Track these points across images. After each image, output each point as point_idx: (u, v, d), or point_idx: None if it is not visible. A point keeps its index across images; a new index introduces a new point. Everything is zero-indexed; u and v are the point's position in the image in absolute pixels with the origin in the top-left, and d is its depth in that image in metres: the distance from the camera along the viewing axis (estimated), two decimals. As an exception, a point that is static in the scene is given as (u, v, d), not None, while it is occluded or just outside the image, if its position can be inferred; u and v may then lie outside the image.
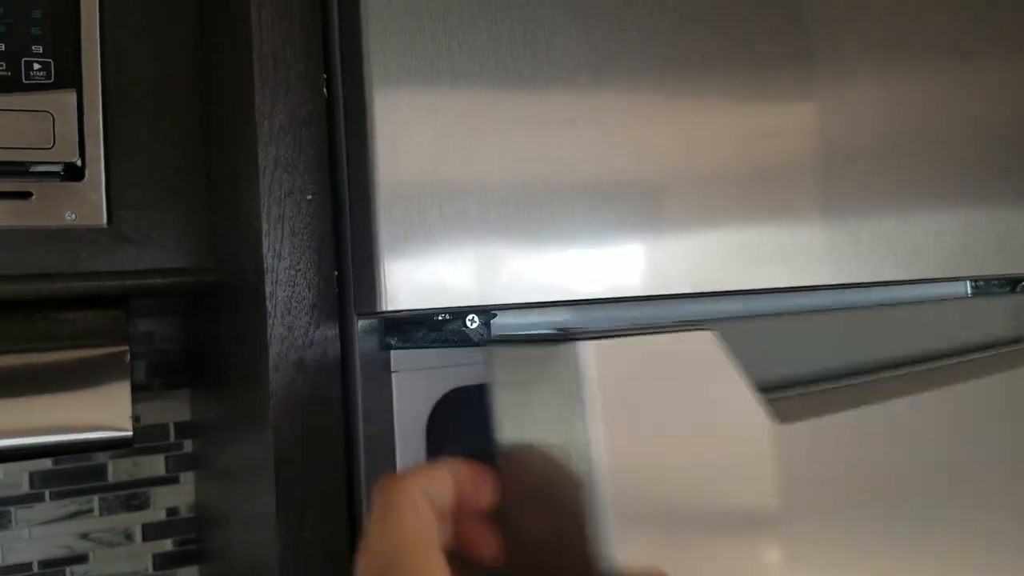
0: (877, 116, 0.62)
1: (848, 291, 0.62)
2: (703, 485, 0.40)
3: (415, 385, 0.48)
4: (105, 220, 0.65)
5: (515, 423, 0.40)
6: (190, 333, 0.96)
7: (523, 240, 0.49)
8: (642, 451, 0.39)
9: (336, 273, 0.50)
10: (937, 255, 0.63)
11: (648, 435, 0.39)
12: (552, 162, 0.50)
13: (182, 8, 0.69)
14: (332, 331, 0.50)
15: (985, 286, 0.68)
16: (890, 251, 0.61)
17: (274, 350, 0.48)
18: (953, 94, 0.65)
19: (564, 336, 0.38)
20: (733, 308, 0.58)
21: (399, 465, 0.47)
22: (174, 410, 0.98)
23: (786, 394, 0.47)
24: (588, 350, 0.37)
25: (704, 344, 0.41)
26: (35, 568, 0.91)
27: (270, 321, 0.48)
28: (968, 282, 0.67)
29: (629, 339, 0.39)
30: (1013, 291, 0.69)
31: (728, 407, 0.41)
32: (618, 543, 0.37)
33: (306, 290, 0.49)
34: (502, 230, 0.48)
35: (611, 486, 0.37)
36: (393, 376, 0.47)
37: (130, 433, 0.59)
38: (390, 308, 0.45)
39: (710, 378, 0.41)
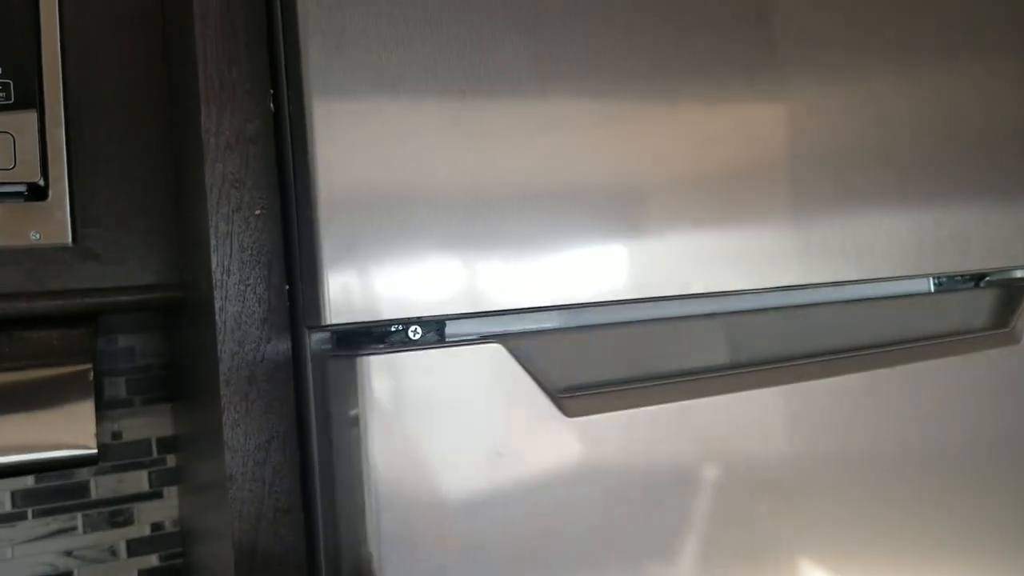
0: (827, 118, 0.62)
1: (807, 291, 0.62)
2: (494, 473, 0.47)
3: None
4: (70, 239, 0.65)
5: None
6: (169, 348, 0.96)
7: (470, 249, 0.49)
8: (417, 452, 0.46)
9: (288, 287, 0.51)
10: (892, 253, 0.63)
11: (431, 436, 0.46)
12: (499, 171, 0.50)
13: (147, 25, 0.69)
14: (284, 345, 0.50)
15: (948, 282, 0.68)
16: (841, 251, 0.61)
17: (224, 365, 0.48)
18: (903, 94, 0.65)
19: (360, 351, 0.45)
20: (677, 311, 0.58)
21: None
22: (156, 425, 0.98)
23: (585, 393, 0.52)
24: (368, 364, 0.45)
25: (493, 355, 0.48)
26: (19, 586, 0.92)
27: (220, 336, 0.48)
28: (931, 279, 0.67)
29: (411, 353, 0.46)
30: (976, 286, 0.69)
31: (520, 407, 0.48)
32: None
33: (256, 305, 0.49)
34: (448, 240, 0.48)
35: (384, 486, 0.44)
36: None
37: (95, 451, 0.59)
38: (335, 321, 0.46)
39: (501, 383, 0.48)
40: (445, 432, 0.47)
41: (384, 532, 0.45)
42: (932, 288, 0.68)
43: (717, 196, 0.57)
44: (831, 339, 0.63)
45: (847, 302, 0.64)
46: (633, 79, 0.54)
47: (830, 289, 0.63)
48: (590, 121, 0.53)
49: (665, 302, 0.57)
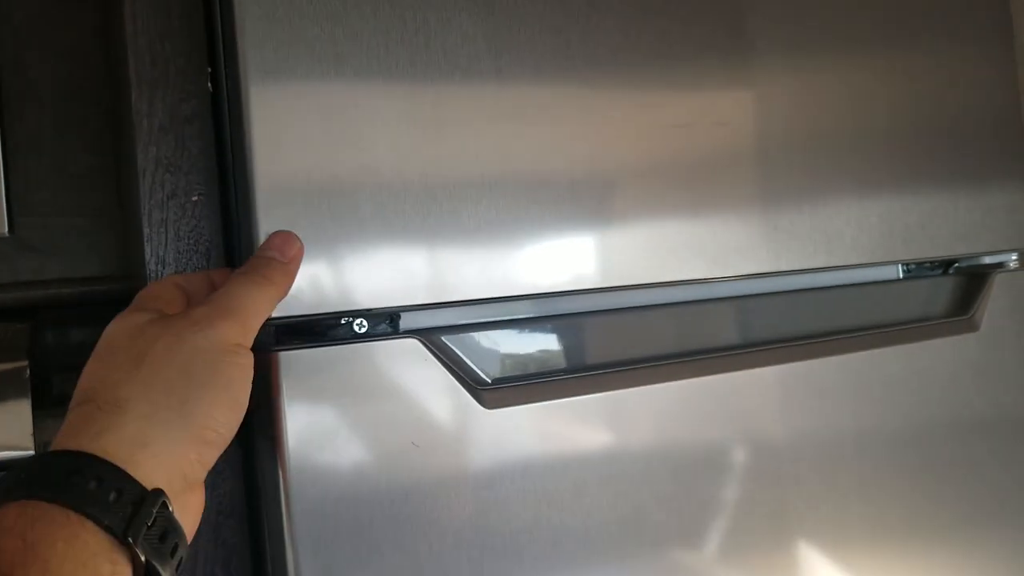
0: (795, 104, 0.60)
1: (774, 279, 0.60)
2: (412, 461, 0.46)
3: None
4: (6, 228, 0.62)
5: None
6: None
7: (422, 238, 0.46)
8: (334, 444, 0.45)
9: (229, 278, 0.48)
10: (861, 240, 0.61)
11: (347, 430, 0.45)
12: (454, 157, 0.47)
13: (84, 4, 0.65)
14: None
15: (917, 269, 0.67)
16: (809, 238, 0.59)
17: (161, 361, 0.46)
18: (872, 80, 0.63)
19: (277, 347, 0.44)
20: (642, 300, 0.56)
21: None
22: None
23: (505, 385, 0.51)
24: (278, 360, 0.44)
25: (411, 350, 0.47)
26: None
27: (155, 330, 0.45)
28: (900, 266, 0.66)
29: (323, 349, 0.45)
30: (945, 273, 0.68)
31: (438, 399, 0.47)
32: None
33: (194, 296, 0.47)
34: (399, 228, 0.46)
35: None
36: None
37: (32, 451, 0.56)
38: (277, 314, 0.43)
39: (420, 376, 0.47)
40: (360, 425, 0.45)
41: (298, 527, 0.43)
42: (901, 275, 0.66)
43: (683, 183, 0.55)
44: (798, 326, 0.61)
45: (814, 289, 0.62)
46: (595, 62, 0.52)
47: (798, 276, 0.61)
48: (550, 106, 0.51)
49: (629, 291, 0.55)
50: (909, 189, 0.64)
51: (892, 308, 0.66)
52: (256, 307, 0.40)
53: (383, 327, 0.47)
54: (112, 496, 0.34)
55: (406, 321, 0.48)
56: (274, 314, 0.43)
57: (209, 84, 0.47)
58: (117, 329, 0.41)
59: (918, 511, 0.64)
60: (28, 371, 0.57)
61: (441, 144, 0.47)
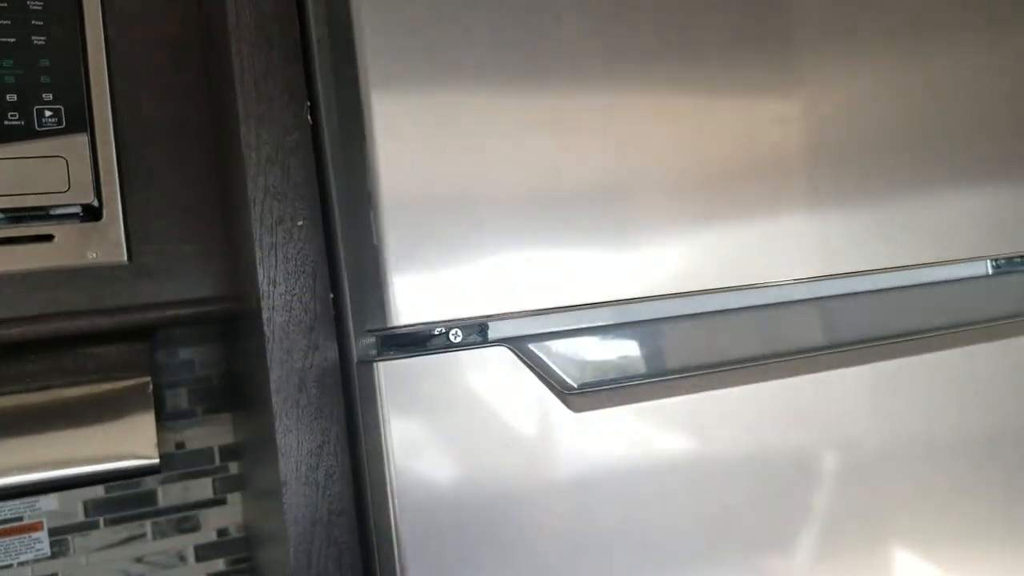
0: (881, 101, 0.60)
1: (859, 278, 0.61)
2: (506, 463, 0.49)
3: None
4: (126, 256, 0.67)
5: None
6: (226, 359, 0.98)
7: (536, 247, 0.49)
8: (434, 447, 0.48)
9: (332, 295, 0.52)
10: (948, 237, 0.61)
11: (447, 435, 0.48)
12: (566, 166, 0.50)
13: (189, 48, 0.71)
14: (331, 352, 0.51)
15: (1007, 264, 0.66)
16: (896, 236, 0.59)
17: (275, 373, 0.50)
18: (958, 73, 0.63)
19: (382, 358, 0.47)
20: (725, 302, 0.57)
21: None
22: (218, 434, 1.00)
23: (592, 390, 0.53)
24: (379, 370, 0.47)
25: (500, 357, 0.49)
26: (94, 593, 0.95)
27: (269, 346, 0.49)
28: (989, 261, 0.66)
29: (420, 358, 0.48)
30: (1034, 267, 0.67)
31: (527, 404, 0.50)
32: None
33: (303, 314, 0.50)
34: (516, 239, 0.48)
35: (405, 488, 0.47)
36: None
37: (157, 460, 0.61)
38: (377, 326, 0.46)
39: (509, 382, 0.50)
40: (457, 430, 0.48)
41: (403, 527, 0.46)
42: (990, 271, 0.66)
43: (771, 184, 0.56)
44: (884, 326, 0.62)
45: (901, 288, 0.62)
46: (703, 63, 0.54)
47: (885, 275, 0.62)
48: (659, 110, 0.52)
49: (712, 295, 0.56)
50: (998, 184, 0.63)
51: (982, 305, 0.65)
52: None
53: (474, 336, 0.50)
54: None
55: (493, 331, 0.51)
56: (374, 326, 0.46)
57: (308, 117, 0.51)
58: None
59: (1016, 511, 0.63)
60: (151, 385, 0.62)
61: (554, 153, 0.49)
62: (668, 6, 0.54)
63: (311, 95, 0.52)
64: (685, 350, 0.57)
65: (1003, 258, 0.66)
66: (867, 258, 0.59)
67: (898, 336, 0.62)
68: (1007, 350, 0.63)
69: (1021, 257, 0.67)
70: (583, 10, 0.50)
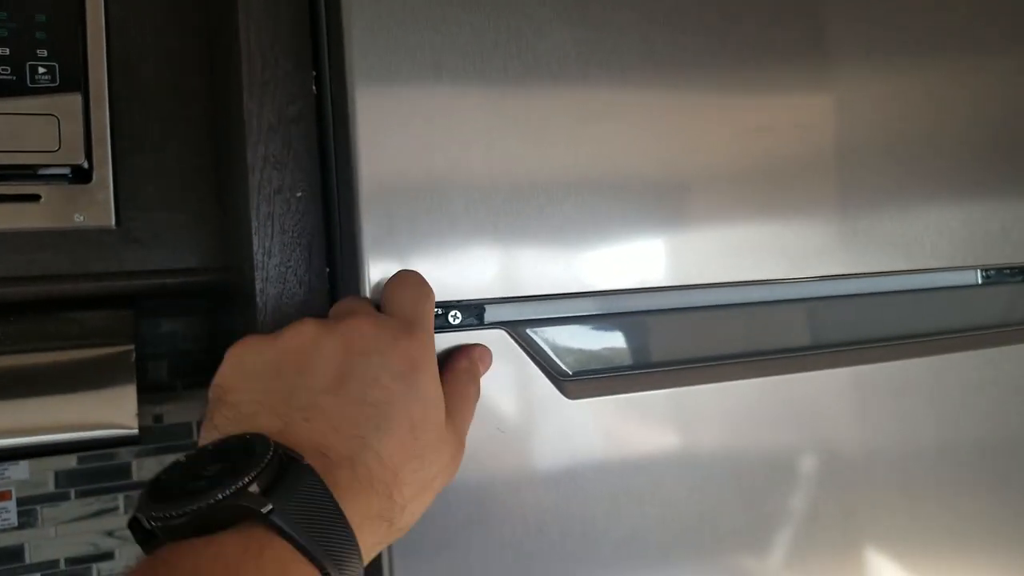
0: (877, 108, 0.60)
1: (851, 281, 0.61)
2: (498, 447, 0.49)
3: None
4: (114, 221, 0.66)
5: None
6: (211, 333, 0.97)
7: (511, 235, 0.48)
8: None
9: (328, 270, 0.50)
10: (939, 246, 0.61)
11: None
12: (540, 158, 0.49)
13: (189, 9, 0.69)
14: (324, 328, 0.50)
15: (997, 275, 0.66)
16: (888, 242, 0.59)
17: (265, 347, 0.48)
18: (955, 83, 0.63)
19: None
20: (718, 299, 0.57)
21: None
22: (197, 409, 0.99)
23: (587, 376, 0.52)
24: None
25: (497, 340, 0.49)
26: (62, 565, 0.93)
27: (260, 318, 0.48)
28: (979, 271, 0.66)
29: None
30: (1026, 280, 0.67)
31: (522, 388, 0.49)
32: None
33: (296, 287, 0.49)
34: (489, 225, 0.48)
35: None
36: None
37: (136, 431, 0.60)
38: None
39: (505, 366, 0.49)
40: None
41: None
42: (980, 280, 0.66)
43: (761, 185, 0.56)
44: (873, 330, 0.62)
45: (891, 293, 0.62)
46: (678, 67, 0.53)
47: (876, 279, 0.62)
48: (634, 110, 0.52)
49: (707, 289, 0.56)
50: (991, 194, 0.63)
51: (970, 314, 0.66)
52: None
53: (471, 319, 0.49)
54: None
55: (490, 314, 0.50)
56: (372, 302, 0.45)
57: (313, 87, 0.50)
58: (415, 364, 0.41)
59: (996, 520, 0.63)
60: (133, 355, 0.61)
61: (530, 146, 0.49)
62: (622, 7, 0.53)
63: (317, 65, 0.50)
64: (676, 344, 0.56)
65: (993, 268, 0.66)
66: (858, 261, 0.59)
67: (885, 340, 0.62)
68: (994, 359, 0.64)
69: (1011, 268, 0.67)
70: (558, 16, 0.50)
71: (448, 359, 0.45)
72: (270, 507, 0.33)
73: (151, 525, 0.34)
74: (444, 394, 0.43)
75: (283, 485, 0.34)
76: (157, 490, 0.35)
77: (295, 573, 0.33)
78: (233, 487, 0.33)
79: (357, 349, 0.40)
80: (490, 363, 0.47)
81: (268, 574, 0.32)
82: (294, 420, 0.37)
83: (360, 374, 0.39)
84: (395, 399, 0.39)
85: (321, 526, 0.34)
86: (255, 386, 0.39)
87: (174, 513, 0.33)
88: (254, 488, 0.33)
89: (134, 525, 0.35)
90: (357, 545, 0.35)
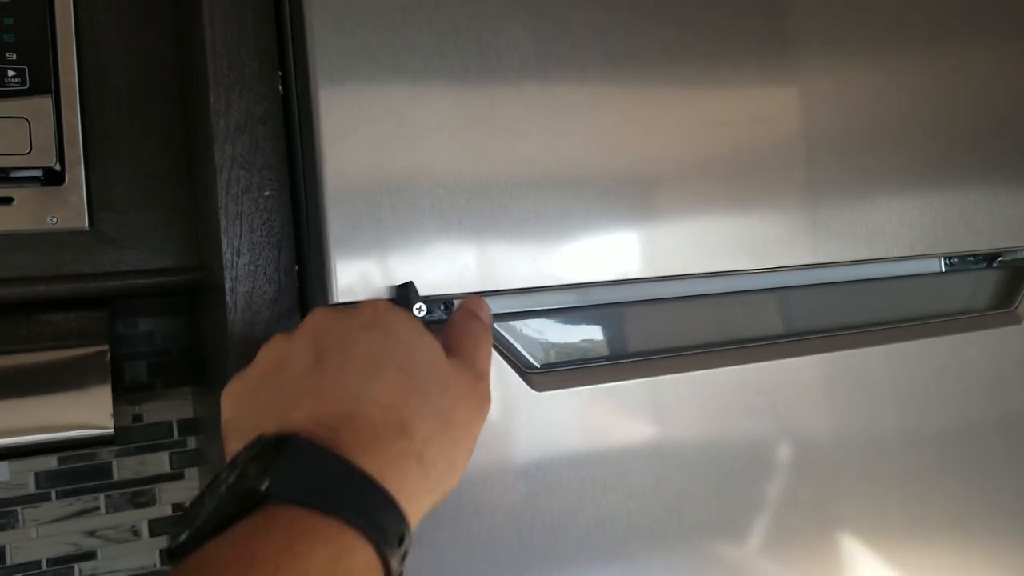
0: (837, 100, 0.61)
1: (815, 271, 0.62)
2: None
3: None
4: (87, 223, 0.66)
5: None
6: (188, 332, 0.97)
7: (476, 231, 0.49)
8: None
9: (297, 268, 0.51)
10: (901, 234, 0.62)
11: None
12: (503, 154, 0.50)
13: (160, 10, 0.69)
14: (295, 324, 0.51)
15: (959, 263, 0.68)
16: (850, 232, 0.60)
17: (235, 345, 0.49)
18: (914, 74, 0.64)
19: None
20: (683, 291, 0.58)
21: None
22: (177, 408, 0.99)
23: (554, 370, 0.53)
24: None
25: None
26: (44, 566, 0.94)
27: (231, 317, 0.49)
28: (942, 259, 0.67)
29: None
30: (989, 266, 0.68)
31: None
32: None
33: (266, 285, 0.50)
34: (455, 221, 0.48)
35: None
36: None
37: (111, 431, 0.60)
38: (342, 300, 0.46)
39: None
40: None
41: None
42: (943, 268, 0.67)
43: (723, 178, 0.57)
44: (839, 319, 0.63)
45: (856, 282, 0.64)
46: (637, 63, 0.54)
47: (839, 269, 0.63)
48: (595, 106, 0.53)
49: (672, 281, 0.57)
50: (951, 183, 0.65)
51: (934, 302, 0.67)
52: None
53: (439, 313, 0.50)
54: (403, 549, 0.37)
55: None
56: (339, 300, 0.46)
57: (280, 87, 0.51)
58: (426, 352, 0.42)
59: (961, 505, 0.65)
60: (108, 355, 0.61)
61: (492, 143, 0.50)
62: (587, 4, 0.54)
63: (283, 65, 0.51)
64: (643, 336, 0.57)
65: (956, 256, 0.68)
66: (822, 251, 0.60)
67: (854, 328, 0.63)
68: (957, 344, 0.65)
69: (974, 256, 0.68)
70: (517, 14, 0.51)
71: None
72: (267, 482, 0.34)
73: (178, 547, 0.35)
74: (447, 333, 0.45)
75: (278, 461, 0.35)
76: (179, 519, 0.36)
77: (309, 532, 0.33)
78: (231, 477, 0.35)
79: (324, 328, 0.42)
80: (484, 303, 0.47)
81: (274, 538, 0.33)
82: (287, 411, 0.38)
83: (333, 343, 0.41)
84: (373, 347, 0.40)
85: (330, 484, 0.35)
86: (249, 407, 0.40)
87: (191, 524, 0.34)
88: (252, 470, 0.35)
89: (167, 560, 0.36)
90: (383, 490, 0.36)
